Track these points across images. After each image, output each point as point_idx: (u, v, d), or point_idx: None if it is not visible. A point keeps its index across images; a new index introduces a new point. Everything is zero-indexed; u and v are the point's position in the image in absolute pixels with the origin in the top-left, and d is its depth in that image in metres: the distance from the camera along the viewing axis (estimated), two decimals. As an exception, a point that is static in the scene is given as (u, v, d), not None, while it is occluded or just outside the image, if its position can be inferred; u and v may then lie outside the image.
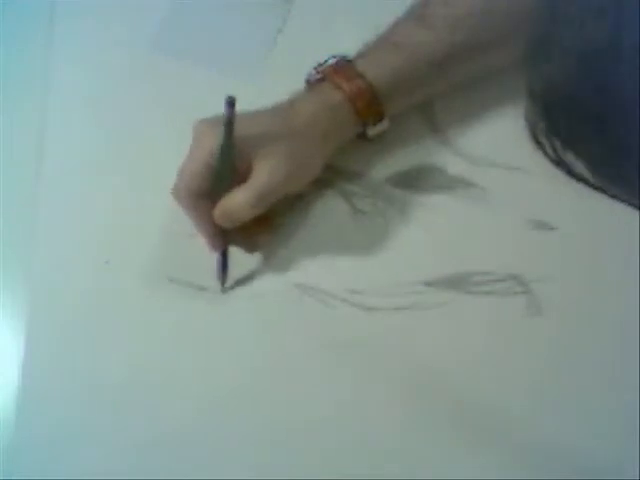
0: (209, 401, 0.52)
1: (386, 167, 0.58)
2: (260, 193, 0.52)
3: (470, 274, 0.55)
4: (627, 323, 0.52)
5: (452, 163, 0.58)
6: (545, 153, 0.34)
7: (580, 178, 0.34)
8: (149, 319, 0.55)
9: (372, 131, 0.56)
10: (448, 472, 0.50)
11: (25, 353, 0.54)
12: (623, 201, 0.34)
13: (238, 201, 0.52)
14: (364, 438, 0.51)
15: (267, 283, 0.55)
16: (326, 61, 0.56)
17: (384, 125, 0.56)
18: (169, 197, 0.54)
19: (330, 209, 0.57)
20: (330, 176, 0.58)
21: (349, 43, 0.57)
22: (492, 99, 0.60)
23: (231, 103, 0.49)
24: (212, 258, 0.55)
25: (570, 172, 0.34)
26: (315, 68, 0.56)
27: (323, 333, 0.54)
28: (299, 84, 0.57)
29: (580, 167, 0.33)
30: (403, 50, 0.55)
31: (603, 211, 0.55)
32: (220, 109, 0.50)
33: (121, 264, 0.56)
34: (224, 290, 0.55)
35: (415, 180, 0.58)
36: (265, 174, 0.52)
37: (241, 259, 0.56)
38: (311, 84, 0.56)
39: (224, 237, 0.54)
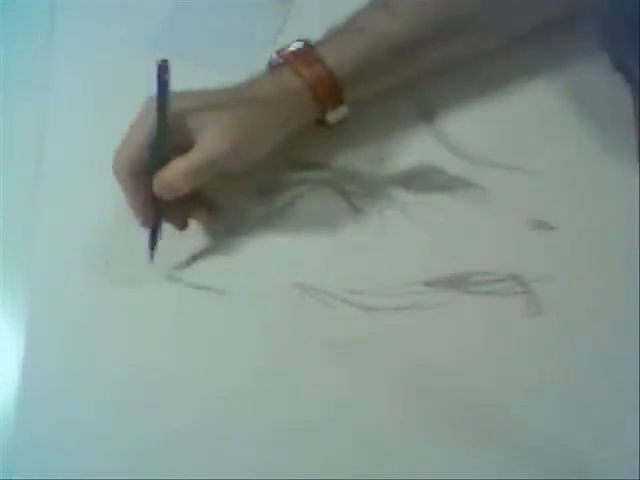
0: (209, 401, 0.52)
1: (386, 167, 0.58)
2: (198, 164, 0.51)
3: (470, 274, 0.55)
4: (627, 323, 0.52)
5: (452, 163, 0.58)
6: (610, 57, 0.34)
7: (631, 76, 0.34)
8: (149, 319, 0.55)
9: (331, 116, 0.56)
10: (448, 472, 0.50)
11: (25, 353, 0.54)
12: None
13: (176, 171, 0.51)
14: (364, 438, 0.51)
15: (267, 283, 0.55)
16: (289, 45, 0.56)
17: (343, 111, 0.56)
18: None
19: (330, 209, 0.57)
20: (330, 175, 0.58)
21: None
22: (492, 99, 0.60)
23: (163, 67, 0.50)
24: (212, 258, 0.56)
25: (629, 77, 0.34)
26: (277, 52, 0.56)
27: (323, 333, 0.54)
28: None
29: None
30: (366, 36, 0.54)
31: (603, 211, 0.56)
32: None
33: (121, 264, 0.56)
34: (151, 262, 0.55)
35: (415, 180, 0.58)
36: (205, 146, 0.51)
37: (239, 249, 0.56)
38: (272, 67, 0.56)
39: (156, 214, 0.54)
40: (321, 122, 0.57)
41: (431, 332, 0.53)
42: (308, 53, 0.54)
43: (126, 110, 0.61)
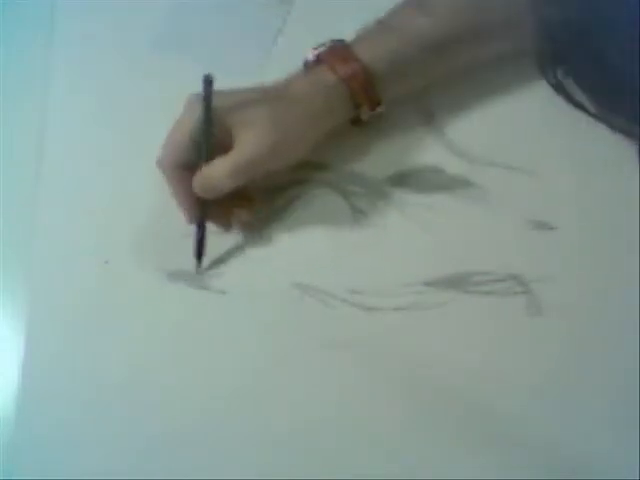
0: (209, 401, 0.52)
1: (386, 167, 0.58)
2: (240, 163, 0.51)
3: (470, 274, 0.55)
4: (627, 323, 0.52)
5: (452, 163, 0.58)
6: (547, 79, 0.34)
7: (579, 106, 0.34)
8: (149, 319, 0.55)
9: (366, 115, 0.56)
10: (448, 472, 0.50)
11: (25, 353, 0.54)
12: (622, 132, 0.34)
13: (217, 171, 0.51)
14: (364, 438, 0.51)
15: (267, 283, 0.55)
16: (323, 44, 0.56)
17: (380, 110, 0.56)
18: (169, 197, 0.54)
19: (330, 209, 0.57)
20: (330, 176, 0.58)
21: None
22: (493, 99, 0.60)
23: (208, 81, 0.50)
24: (212, 259, 0.56)
25: (569, 99, 0.34)
26: (312, 51, 0.56)
27: (323, 333, 0.54)
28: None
29: (580, 95, 0.34)
30: (401, 34, 0.55)
31: (603, 211, 0.56)
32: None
33: (121, 264, 0.56)
34: (199, 271, 0.55)
35: (415, 180, 0.58)
36: (247, 144, 0.51)
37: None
38: (307, 66, 0.56)
39: (202, 210, 0.54)
40: (355, 121, 0.57)
41: (431, 332, 0.53)
42: (343, 50, 0.55)
43: (126, 110, 0.61)
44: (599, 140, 0.57)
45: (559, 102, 0.59)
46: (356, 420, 0.51)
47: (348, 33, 0.57)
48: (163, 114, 0.60)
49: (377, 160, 0.58)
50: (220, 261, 0.56)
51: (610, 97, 0.32)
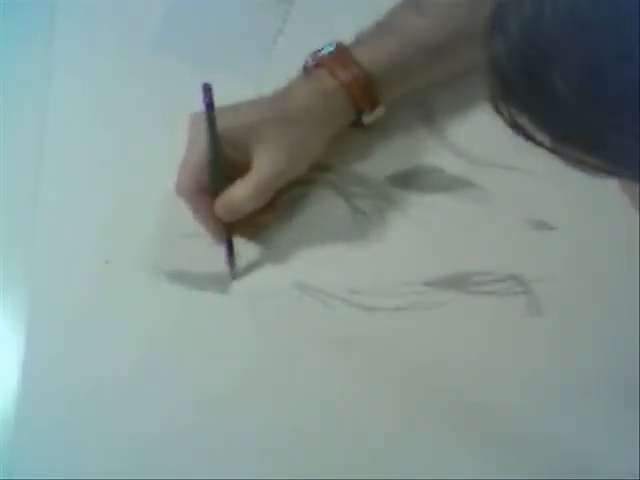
0: (209, 401, 0.52)
1: (386, 167, 0.58)
2: (261, 185, 0.52)
3: (470, 274, 0.55)
4: (627, 323, 0.52)
5: (452, 163, 0.58)
6: (504, 119, 0.35)
7: (537, 142, 0.34)
8: (149, 319, 0.55)
9: (368, 118, 0.56)
10: (448, 472, 0.50)
11: (25, 353, 0.54)
12: (577, 164, 0.34)
13: (239, 195, 0.52)
14: (364, 438, 0.51)
15: (267, 283, 0.55)
16: (322, 48, 0.56)
17: (380, 112, 0.56)
18: (169, 197, 0.54)
19: (330, 209, 0.57)
20: (330, 176, 0.58)
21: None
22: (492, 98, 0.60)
23: (207, 89, 0.50)
24: (212, 258, 0.56)
25: (527, 136, 0.34)
26: (311, 55, 0.56)
27: (323, 333, 0.54)
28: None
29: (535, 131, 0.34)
30: (399, 36, 0.55)
31: (603, 211, 0.55)
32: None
33: (121, 264, 0.56)
34: (234, 277, 0.55)
35: (415, 180, 0.58)
36: (265, 164, 0.52)
37: (243, 250, 0.56)
38: (307, 70, 0.56)
39: (226, 229, 0.54)
40: (356, 124, 0.57)
41: (431, 332, 0.53)
42: (343, 54, 0.55)
43: (126, 110, 0.61)
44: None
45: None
46: (356, 420, 0.51)
47: (348, 33, 0.57)
48: (163, 114, 0.60)
49: (378, 161, 0.58)
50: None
51: (562, 129, 0.33)
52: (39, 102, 0.62)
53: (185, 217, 0.57)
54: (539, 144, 0.33)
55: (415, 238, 0.56)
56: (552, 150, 0.34)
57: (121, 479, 0.51)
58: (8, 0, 0.66)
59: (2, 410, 0.53)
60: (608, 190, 0.56)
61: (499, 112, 0.35)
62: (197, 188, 0.53)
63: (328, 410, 0.52)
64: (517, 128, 0.34)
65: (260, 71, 0.61)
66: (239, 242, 0.56)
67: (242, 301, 0.55)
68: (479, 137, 0.59)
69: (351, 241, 0.56)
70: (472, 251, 0.55)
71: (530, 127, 0.33)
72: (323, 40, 0.56)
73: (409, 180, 0.58)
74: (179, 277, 0.56)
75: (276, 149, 0.52)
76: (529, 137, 0.34)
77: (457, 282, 0.54)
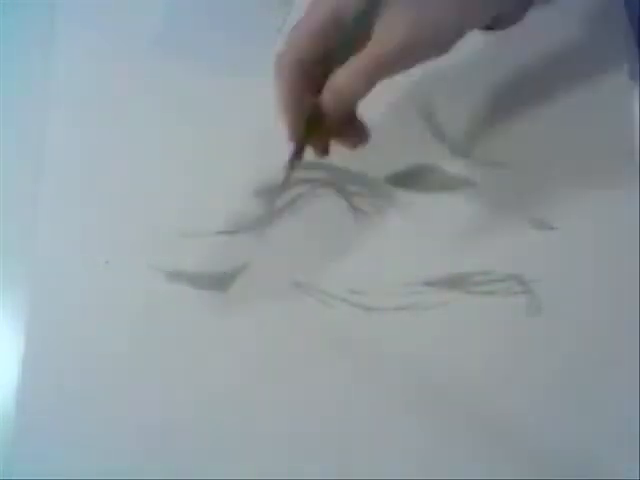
0: (209, 401, 0.52)
1: (386, 167, 0.58)
2: (373, 63, 0.43)
3: (470, 274, 0.55)
4: (627, 323, 0.52)
5: (452, 163, 0.58)
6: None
7: None
8: (149, 319, 0.55)
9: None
10: (448, 472, 0.50)
11: (25, 353, 0.54)
12: None
13: (345, 76, 0.44)
14: (364, 438, 0.51)
15: (267, 283, 0.55)
16: None
17: None
18: (169, 197, 0.54)
19: (330, 209, 0.57)
20: (330, 176, 0.58)
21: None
22: (492, 99, 0.60)
23: None
24: (212, 258, 0.56)
25: None
26: None
27: (323, 333, 0.54)
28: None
29: None
30: None
31: (603, 211, 0.56)
32: (219, 109, 0.50)
33: (121, 264, 0.56)
34: (284, 186, 0.50)
35: (415, 180, 0.58)
36: (382, 37, 0.43)
37: (243, 249, 0.56)
38: None
39: (307, 128, 0.47)
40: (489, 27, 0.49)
41: (431, 332, 0.53)
42: None
43: (126, 110, 0.61)
44: (599, 140, 0.57)
45: (559, 102, 0.59)
46: (356, 420, 0.51)
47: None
48: (163, 114, 0.60)
49: (377, 160, 0.58)
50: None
51: None
52: (39, 102, 0.62)
53: (185, 217, 0.57)
54: None
55: (415, 238, 0.56)
56: None
57: (121, 479, 0.51)
58: (8, 0, 0.66)
59: (2, 409, 0.53)
60: (608, 190, 0.57)
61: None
62: (302, 62, 0.44)
63: (328, 410, 0.52)
64: None
65: (260, 71, 0.61)
66: (240, 241, 0.56)
67: (242, 301, 0.55)
68: (479, 137, 0.59)
69: (351, 241, 0.56)
70: (472, 251, 0.55)
71: None
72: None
73: (409, 180, 0.58)
74: (179, 277, 0.56)
75: (398, 20, 0.43)
76: None
77: (457, 282, 0.54)
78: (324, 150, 0.49)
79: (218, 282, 0.55)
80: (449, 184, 0.57)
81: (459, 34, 0.45)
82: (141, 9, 0.65)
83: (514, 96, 0.60)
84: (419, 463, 0.50)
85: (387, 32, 0.43)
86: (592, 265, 0.55)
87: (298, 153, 0.48)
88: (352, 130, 0.48)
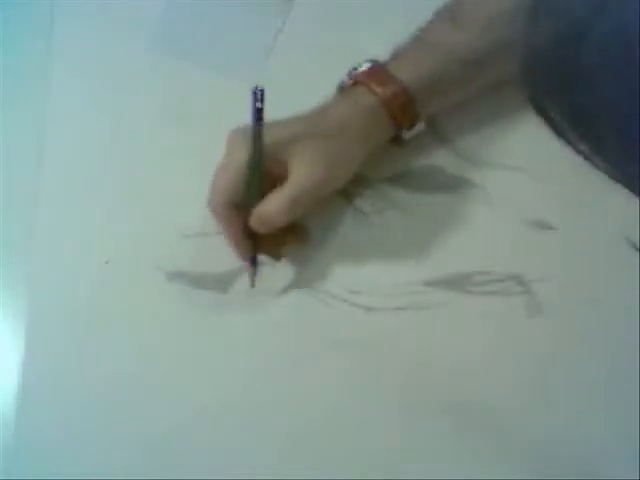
0: (209, 401, 0.53)
1: (386, 167, 0.58)
2: (296, 196, 0.51)
3: (470, 274, 0.55)
4: (627, 323, 0.52)
5: (452, 163, 0.58)
6: (545, 121, 0.34)
7: (578, 150, 0.34)
8: (149, 319, 0.55)
9: (407, 135, 0.56)
10: (448, 472, 0.50)
11: (25, 353, 0.54)
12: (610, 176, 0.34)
13: (274, 205, 0.51)
14: (364, 438, 0.51)
15: (267, 283, 0.55)
16: (359, 66, 0.55)
17: (420, 127, 0.56)
18: (169, 197, 0.54)
19: (330, 209, 0.57)
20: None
21: (349, 43, 0.57)
22: (492, 98, 0.60)
23: (258, 93, 0.48)
24: (212, 258, 0.56)
25: (555, 128, 0.34)
26: (348, 74, 0.55)
27: (323, 333, 0.54)
28: (299, 85, 0.58)
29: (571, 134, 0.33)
30: (437, 52, 0.54)
31: (603, 211, 0.56)
32: (219, 109, 0.50)
33: (121, 264, 0.56)
34: (253, 286, 0.55)
35: (415, 180, 0.58)
36: (301, 176, 0.51)
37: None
38: (344, 89, 0.55)
39: (253, 246, 0.53)
40: (395, 140, 0.56)
41: (431, 332, 0.53)
42: (381, 71, 0.54)
43: (126, 110, 0.61)
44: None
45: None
46: (356, 419, 0.51)
47: (348, 33, 0.56)
48: (163, 114, 0.60)
49: (377, 160, 0.58)
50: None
51: (597, 137, 0.32)
52: (39, 102, 0.62)
53: (185, 217, 0.57)
54: (580, 152, 0.33)
55: (415, 238, 0.56)
56: (590, 159, 0.33)
57: (121, 479, 0.51)
58: (8, 0, 0.66)
59: (2, 410, 0.53)
60: (608, 190, 0.57)
61: (541, 113, 0.34)
62: (230, 202, 0.52)
63: (328, 410, 0.52)
64: (558, 132, 0.33)
65: (260, 71, 0.61)
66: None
67: (242, 301, 0.55)
68: (479, 137, 0.59)
69: (351, 241, 0.56)
70: (472, 251, 0.55)
71: (571, 135, 0.33)
72: (323, 40, 0.56)
73: (409, 180, 0.58)
74: (179, 277, 0.56)
75: (313, 161, 0.52)
76: (570, 142, 0.33)
77: (457, 282, 0.55)
78: (276, 256, 0.55)
79: (218, 282, 0.55)
80: (449, 184, 0.57)
81: (352, 173, 0.54)
82: (140, 9, 0.65)
83: (514, 96, 0.60)
84: (419, 462, 0.50)
85: (305, 167, 0.52)
86: (592, 265, 0.55)
87: (253, 264, 0.54)
88: (292, 236, 0.55)
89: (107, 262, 0.56)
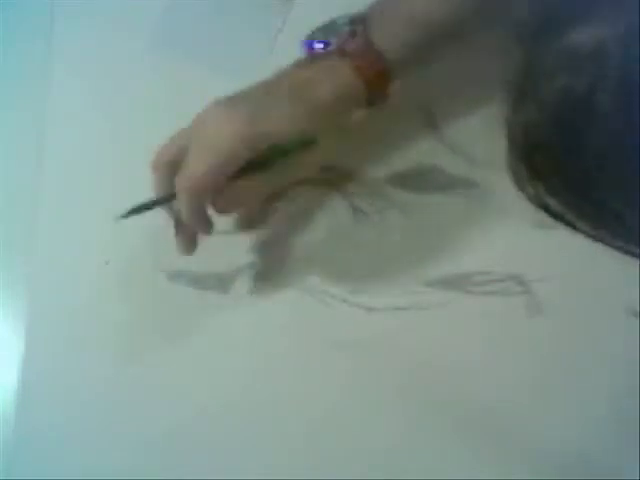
0: (209, 401, 0.53)
1: (386, 167, 0.58)
2: (219, 155, 0.49)
3: (470, 274, 0.55)
4: (627, 323, 0.52)
5: (452, 163, 0.58)
6: (529, 198, 0.34)
7: (566, 222, 0.33)
8: (149, 319, 0.55)
9: (379, 99, 0.54)
10: (448, 472, 0.50)
11: (25, 353, 0.54)
12: (610, 245, 0.34)
13: (194, 167, 0.49)
14: (364, 438, 0.51)
15: (267, 283, 0.55)
16: (338, 27, 0.53)
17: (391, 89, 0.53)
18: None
19: (330, 209, 0.57)
20: (330, 176, 0.58)
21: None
22: (492, 99, 0.60)
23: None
24: (212, 258, 0.56)
25: (555, 215, 0.34)
26: (325, 37, 0.53)
27: (323, 333, 0.54)
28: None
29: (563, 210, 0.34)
30: (415, 22, 0.52)
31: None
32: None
33: (121, 264, 0.56)
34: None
35: (415, 180, 0.58)
36: (221, 137, 0.49)
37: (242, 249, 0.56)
38: (314, 55, 0.54)
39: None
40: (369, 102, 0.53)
41: (431, 332, 0.53)
42: (371, 51, 0.52)
43: (126, 110, 0.61)
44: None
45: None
46: (356, 420, 0.51)
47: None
48: (163, 114, 0.60)
49: (377, 160, 0.58)
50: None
51: (602, 222, 0.32)
52: (39, 102, 0.62)
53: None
54: (568, 224, 0.33)
55: (415, 238, 0.56)
56: (580, 231, 0.33)
57: (121, 479, 0.51)
58: (8, 0, 0.66)
59: (2, 410, 0.53)
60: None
61: (522, 189, 0.34)
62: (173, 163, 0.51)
63: (328, 410, 0.52)
64: (544, 207, 0.33)
65: (259, 71, 0.61)
66: (240, 244, 0.56)
67: (243, 301, 0.55)
68: (479, 137, 0.59)
69: (351, 241, 0.56)
70: (472, 251, 0.55)
71: (558, 208, 0.32)
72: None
73: (409, 180, 0.58)
74: (179, 277, 0.56)
75: (229, 120, 0.50)
76: (556, 217, 0.33)
77: (457, 282, 0.54)
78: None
79: (219, 282, 0.55)
80: (449, 184, 0.57)
81: (284, 129, 0.50)
82: (140, 9, 0.65)
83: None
84: (419, 462, 0.50)
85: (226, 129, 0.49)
86: (592, 265, 0.54)
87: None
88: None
89: (107, 262, 0.56)
